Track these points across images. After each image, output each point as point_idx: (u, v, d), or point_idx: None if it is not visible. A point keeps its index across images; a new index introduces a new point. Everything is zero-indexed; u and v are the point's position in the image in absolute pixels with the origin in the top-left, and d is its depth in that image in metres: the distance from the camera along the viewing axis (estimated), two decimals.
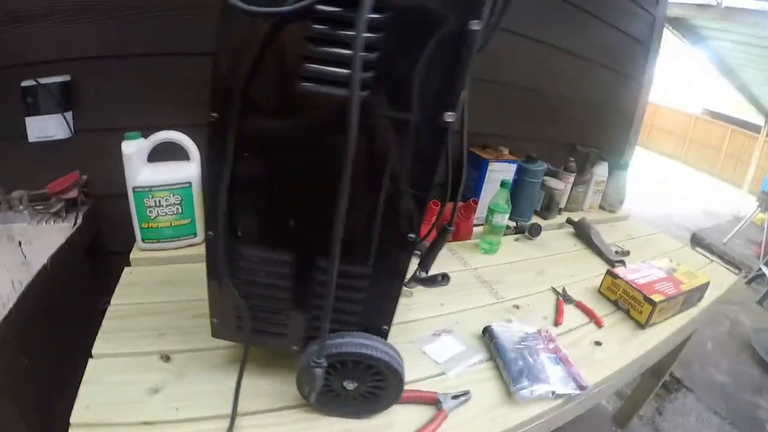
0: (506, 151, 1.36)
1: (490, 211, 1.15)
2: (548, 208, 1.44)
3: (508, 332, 0.85)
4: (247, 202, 0.55)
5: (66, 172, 0.93)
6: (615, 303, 1.03)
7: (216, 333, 0.66)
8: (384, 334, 0.63)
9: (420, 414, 0.68)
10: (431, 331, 0.87)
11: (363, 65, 0.42)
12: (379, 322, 0.63)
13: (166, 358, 0.73)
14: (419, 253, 0.84)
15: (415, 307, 0.94)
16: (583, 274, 1.15)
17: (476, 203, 1.21)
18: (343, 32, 0.43)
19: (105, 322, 0.76)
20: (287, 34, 0.44)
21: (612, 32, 1.61)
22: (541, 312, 0.97)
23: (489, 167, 1.27)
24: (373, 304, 0.61)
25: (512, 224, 1.33)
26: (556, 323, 0.93)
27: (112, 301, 0.81)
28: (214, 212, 0.53)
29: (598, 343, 0.90)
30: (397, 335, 0.82)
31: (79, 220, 0.87)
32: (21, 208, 0.87)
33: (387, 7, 0.42)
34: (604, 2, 1.54)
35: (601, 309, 1.01)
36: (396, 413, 0.68)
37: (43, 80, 0.88)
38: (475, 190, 1.30)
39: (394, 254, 0.57)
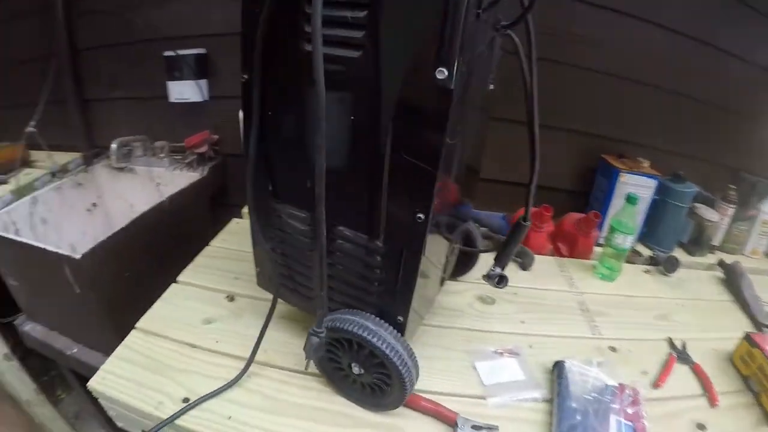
0: (647, 164, 1.07)
1: (612, 229, 0.93)
2: (697, 242, 1.09)
3: (583, 376, 0.67)
4: (275, 160, 0.56)
5: (200, 131, 1.14)
6: (745, 380, 0.71)
7: (259, 282, 0.71)
8: (399, 326, 0.57)
9: (432, 430, 0.60)
10: (495, 347, 0.75)
11: (354, 24, 0.41)
12: (394, 310, 0.57)
13: (230, 298, 0.82)
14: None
15: (490, 317, 0.83)
16: (718, 331, 0.83)
17: (598, 217, 0.99)
18: None
19: (198, 258, 0.90)
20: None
21: None
22: (641, 364, 0.73)
23: (620, 179, 1.02)
24: (388, 289, 0.56)
25: (647, 253, 1.06)
26: (656, 384, 0.68)
27: (212, 243, 0.96)
28: (248, 167, 0.56)
29: (701, 427, 0.63)
30: (455, 341, 0.76)
31: (205, 172, 1.06)
32: (162, 156, 1.11)
33: None
34: None
35: (723, 382, 0.70)
36: (407, 420, 0.61)
37: (182, 52, 1.09)
38: (603, 204, 1.07)
39: (403, 234, 0.50)
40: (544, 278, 0.96)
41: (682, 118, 1.16)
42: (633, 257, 1.05)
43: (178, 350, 0.69)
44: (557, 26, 1.02)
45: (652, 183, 1.03)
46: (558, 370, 0.68)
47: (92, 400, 0.64)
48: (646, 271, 1.03)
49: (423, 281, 0.57)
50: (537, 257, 1.02)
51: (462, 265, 0.90)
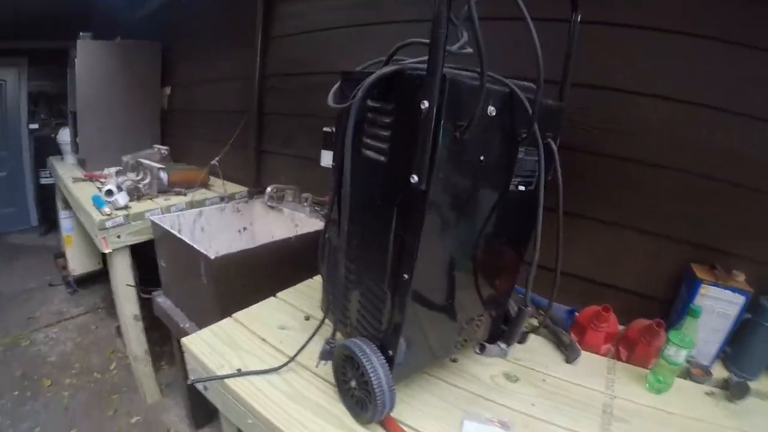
0: (741, 278, 0.94)
1: (667, 341, 0.87)
2: None
3: None
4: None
5: None
6: None
7: (321, 306, 0.95)
8: (388, 358, 0.72)
9: None
10: (492, 415, 0.81)
11: (382, 140, 0.66)
12: (387, 345, 0.73)
13: (307, 318, 1.07)
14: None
15: (506, 392, 0.88)
16: None
17: (661, 326, 0.93)
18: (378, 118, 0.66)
19: (299, 285, 1.20)
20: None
21: None
22: None
23: (701, 291, 0.94)
24: (387, 329, 0.73)
25: (723, 375, 0.93)
26: None
27: (315, 278, 1.25)
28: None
29: None
30: (459, 399, 0.85)
31: None
32: (305, 204, 1.48)
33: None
34: None
35: None
36: None
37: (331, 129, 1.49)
38: (681, 314, 0.99)
39: (394, 288, 0.68)
40: (584, 375, 0.95)
41: None
42: (701, 376, 0.93)
43: (250, 338, 0.96)
44: (656, 130, 1.06)
45: (739, 299, 0.92)
46: None
47: (185, 377, 0.94)
48: (709, 393, 0.90)
49: (414, 331, 0.72)
50: (588, 355, 1.01)
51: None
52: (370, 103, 0.68)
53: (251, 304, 1.09)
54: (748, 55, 0.96)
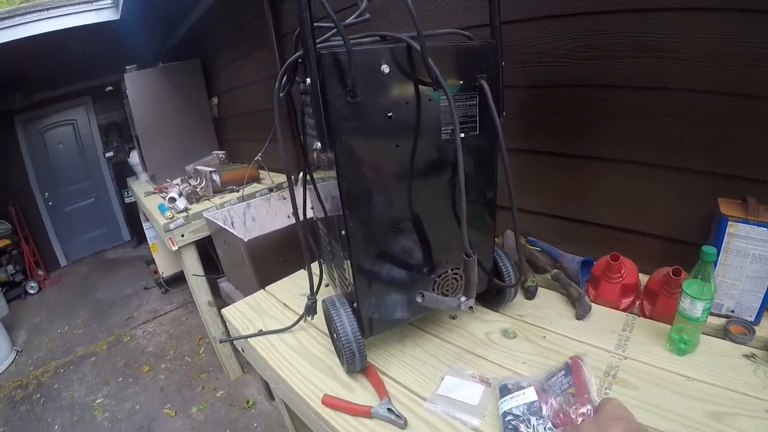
0: None
1: (682, 292, 0.76)
2: None
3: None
4: None
5: None
6: None
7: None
8: (355, 311, 0.80)
9: (368, 396, 0.79)
10: (474, 371, 0.82)
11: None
12: (354, 298, 0.80)
13: (326, 284, 1.20)
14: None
15: (499, 349, 0.88)
16: None
17: (679, 274, 0.81)
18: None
19: None
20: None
21: None
22: None
23: (728, 229, 0.78)
24: (352, 284, 0.80)
25: None
26: None
27: None
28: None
29: None
30: (446, 354, 0.88)
31: None
32: None
33: None
34: None
35: None
36: (360, 383, 0.83)
37: None
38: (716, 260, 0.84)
39: (343, 247, 0.78)
40: (592, 332, 0.88)
41: None
42: (742, 334, 0.78)
43: (275, 305, 1.13)
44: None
45: None
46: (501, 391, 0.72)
47: None
48: (749, 356, 0.75)
49: (377, 285, 0.79)
50: (605, 311, 0.93)
51: (496, 295, 0.96)
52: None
53: (286, 276, 1.26)
54: None
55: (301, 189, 0.90)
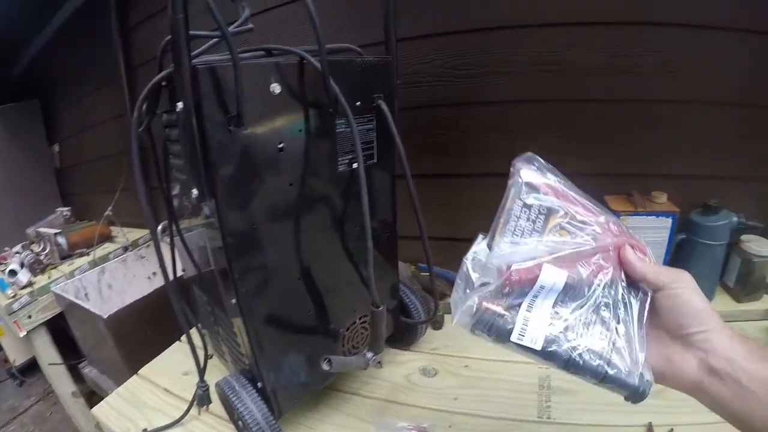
0: (663, 199, 0.87)
1: None
2: (746, 284, 0.85)
3: None
4: None
5: None
6: None
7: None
8: (260, 390, 0.66)
9: None
10: (408, 422, 0.73)
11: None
12: (257, 376, 0.67)
13: (210, 356, 0.98)
14: None
15: (423, 391, 0.81)
16: None
17: None
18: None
19: None
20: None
21: None
22: None
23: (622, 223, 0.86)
24: (250, 358, 0.66)
25: None
26: None
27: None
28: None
29: None
30: (369, 411, 0.78)
31: None
32: None
33: None
34: None
35: None
36: None
37: None
38: None
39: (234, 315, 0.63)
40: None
41: (719, 131, 0.92)
42: None
43: (155, 393, 0.90)
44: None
45: (665, 222, 0.85)
46: None
47: None
48: None
49: (279, 353, 0.66)
50: None
51: (405, 333, 0.90)
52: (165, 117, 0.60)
53: (162, 351, 1.03)
54: None
55: (169, 247, 0.71)
